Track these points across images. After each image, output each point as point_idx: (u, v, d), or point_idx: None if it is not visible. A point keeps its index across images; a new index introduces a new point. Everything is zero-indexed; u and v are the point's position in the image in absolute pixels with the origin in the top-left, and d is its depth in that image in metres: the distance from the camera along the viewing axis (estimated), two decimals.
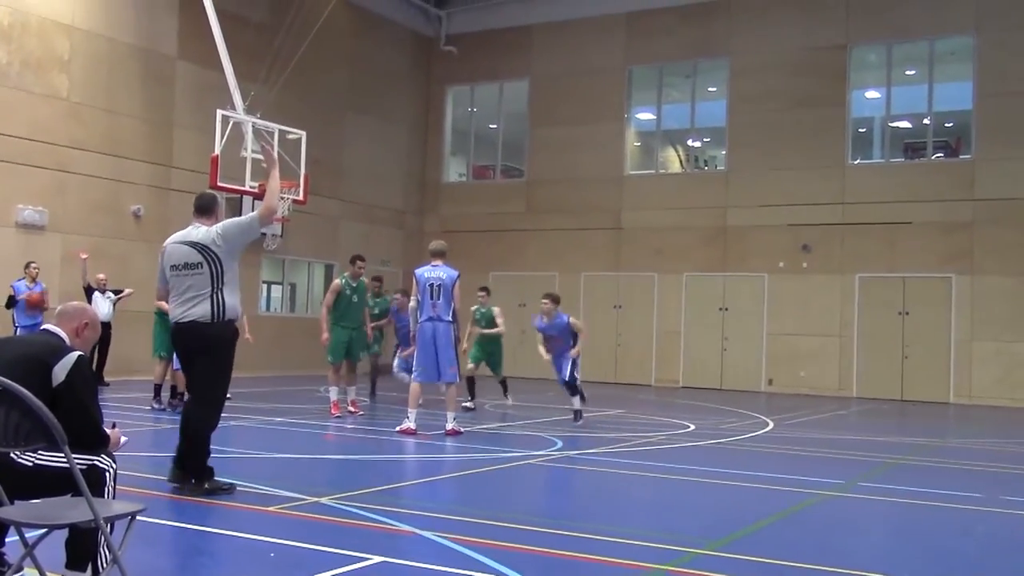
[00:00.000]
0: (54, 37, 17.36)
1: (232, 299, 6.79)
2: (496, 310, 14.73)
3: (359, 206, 23.98)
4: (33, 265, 15.04)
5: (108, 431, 4.22)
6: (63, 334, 4.37)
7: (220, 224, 6.88)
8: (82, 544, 4.01)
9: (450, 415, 10.90)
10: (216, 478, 6.74)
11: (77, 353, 4.16)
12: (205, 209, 7.04)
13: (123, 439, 4.43)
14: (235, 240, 6.82)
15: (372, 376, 15.88)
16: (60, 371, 4.03)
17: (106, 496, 4.05)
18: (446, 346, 10.99)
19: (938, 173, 20.86)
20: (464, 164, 27.27)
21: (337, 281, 13.13)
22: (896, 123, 22.22)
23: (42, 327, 4.54)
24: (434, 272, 10.94)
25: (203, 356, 6.74)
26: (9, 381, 3.58)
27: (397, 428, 10.85)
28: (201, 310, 6.67)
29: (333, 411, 12.61)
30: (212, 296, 6.69)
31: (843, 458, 10.54)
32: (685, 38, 23.16)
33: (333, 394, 12.76)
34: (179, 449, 6.80)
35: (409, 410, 10.83)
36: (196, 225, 6.94)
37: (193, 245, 6.77)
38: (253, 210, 20.33)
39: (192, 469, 6.72)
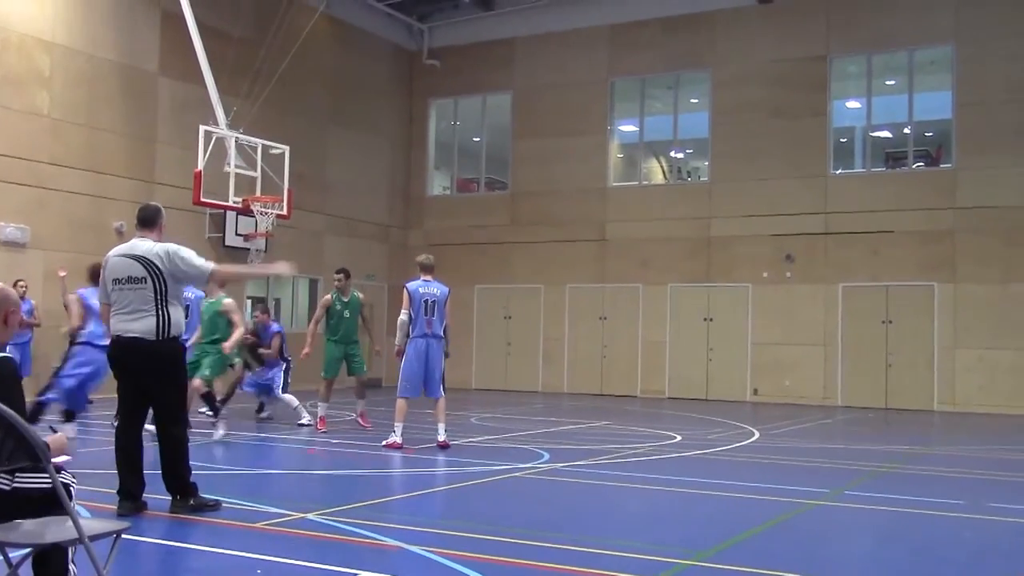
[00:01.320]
0: (34, 53, 17.30)
1: (177, 314, 6.64)
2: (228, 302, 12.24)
3: (343, 220, 23.94)
4: (20, 283, 14.94)
5: (49, 438, 3.82)
6: None
7: (173, 247, 6.66)
8: (54, 563, 3.92)
9: (441, 427, 10.92)
10: (201, 495, 6.68)
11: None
12: (148, 221, 6.83)
13: (65, 457, 4.14)
14: (177, 272, 6.61)
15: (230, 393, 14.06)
16: None
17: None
18: (437, 362, 10.98)
19: (919, 182, 21.00)
20: (448, 177, 27.28)
21: (328, 296, 13.04)
22: (877, 133, 22.38)
23: None
24: (428, 288, 10.93)
25: (153, 376, 6.59)
26: None
27: (384, 443, 10.82)
28: (144, 325, 6.50)
29: (319, 426, 12.56)
30: (157, 311, 6.52)
31: (829, 467, 10.57)
32: (667, 50, 23.27)
33: (321, 409, 12.69)
34: (121, 478, 6.56)
35: (396, 424, 10.81)
36: (141, 237, 6.77)
37: (137, 259, 6.60)
38: (237, 227, 20.37)
39: (176, 487, 6.65)
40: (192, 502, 6.59)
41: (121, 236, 18.43)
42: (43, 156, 17.27)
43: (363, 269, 24.14)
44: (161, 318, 6.53)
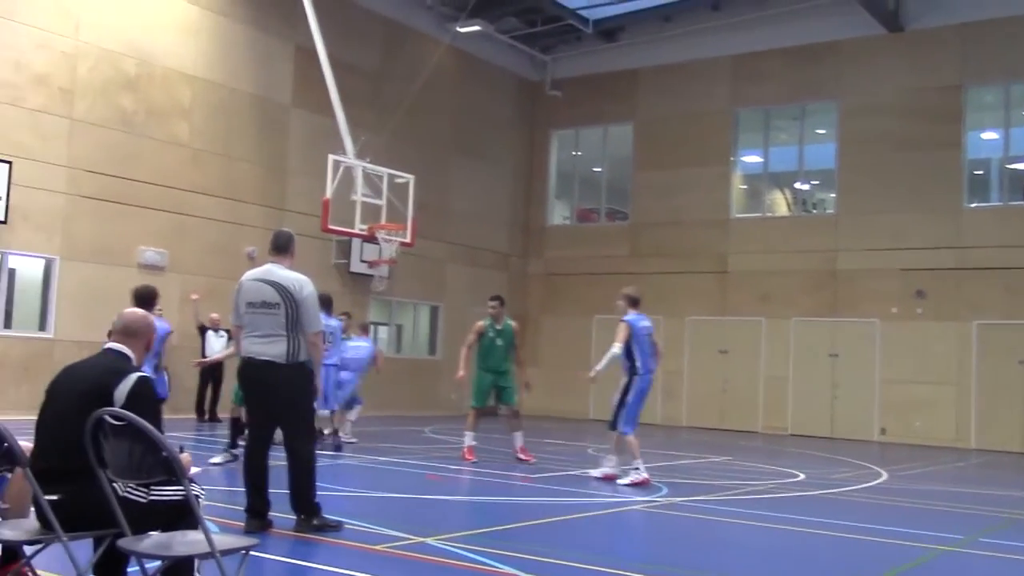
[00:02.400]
0: (177, 86, 18.14)
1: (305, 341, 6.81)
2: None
3: (465, 249, 24.26)
4: (157, 308, 15.39)
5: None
6: (127, 350, 4.38)
7: (309, 288, 6.79)
8: (181, 572, 4.04)
9: (640, 463, 10.50)
10: (324, 515, 6.80)
11: (137, 374, 4.18)
12: (282, 248, 7.00)
13: (195, 469, 4.38)
14: (301, 308, 6.72)
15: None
16: (120, 395, 4.06)
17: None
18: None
19: None
20: (568, 207, 27.38)
21: (481, 323, 12.58)
22: (1015, 164, 21.47)
23: (105, 346, 4.47)
24: (646, 322, 10.62)
25: (281, 399, 6.74)
26: (134, 416, 3.72)
27: (628, 481, 10.32)
28: (277, 350, 6.68)
29: (467, 456, 12.04)
30: (288, 337, 6.70)
31: (962, 512, 10.12)
32: (792, 80, 22.90)
33: (467, 439, 12.21)
34: (249, 496, 6.73)
35: (637, 462, 10.37)
36: (276, 263, 6.93)
37: (272, 284, 6.77)
38: (362, 254, 20.77)
39: (300, 506, 6.76)
40: (316, 522, 6.70)
41: (252, 261, 19.13)
42: (183, 184, 18.06)
43: (483, 297, 24.18)
44: (291, 343, 6.70)
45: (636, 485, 10.28)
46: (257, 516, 6.68)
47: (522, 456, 12.23)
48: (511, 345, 12.47)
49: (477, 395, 12.37)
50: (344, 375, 13.30)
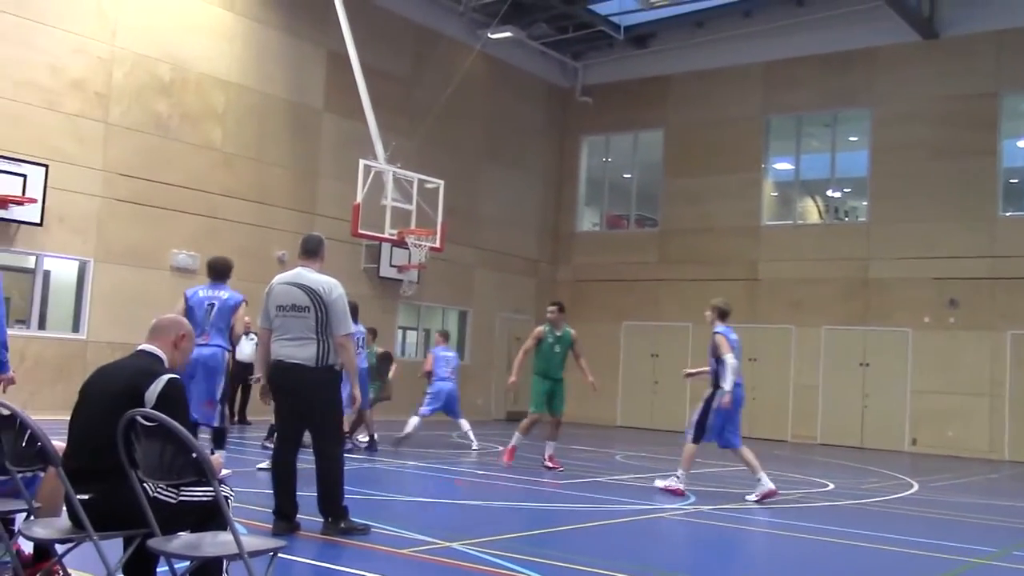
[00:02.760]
0: (210, 91, 18.30)
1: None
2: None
3: (493, 254, 24.28)
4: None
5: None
6: (159, 352, 4.42)
7: (338, 291, 6.82)
8: (209, 572, 4.08)
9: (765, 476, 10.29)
10: (352, 519, 6.83)
11: (168, 376, 4.21)
12: (312, 252, 7.03)
13: (225, 471, 4.40)
14: (330, 311, 6.73)
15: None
16: (151, 396, 4.10)
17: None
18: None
19: None
20: (597, 213, 27.34)
21: (540, 328, 12.46)
22: None
23: (138, 347, 4.52)
24: (735, 335, 10.48)
25: (311, 402, 6.77)
26: (165, 417, 3.76)
27: (663, 486, 10.33)
28: (307, 353, 6.71)
29: (507, 458, 12.14)
30: (318, 341, 6.72)
31: (995, 524, 9.99)
32: (825, 87, 22.75)
33: (515, 439, 12.23)
34: (277, 499, 6.76)
35: (680, 471, 10.29)
36: (305, 267, 6.96)
37: (303, 288, 6.80)
38: (392, 259, 20.81)
39: (328, 509, 6.78)
40: (343, 525, 6.72)
41: (283, 265, 19.30)
42: (215, 188, 18.21)
43: (511, 303, 24.42)
44: (321, 346, 6.72)
45: (671, 492, 10.19)
46: (285, 518, 6.71)
47: (550, 464, 12.18)
48: (567, 352, 12.32)
49: (536, 401, 12.21)
50: (442, 385, 14.16)
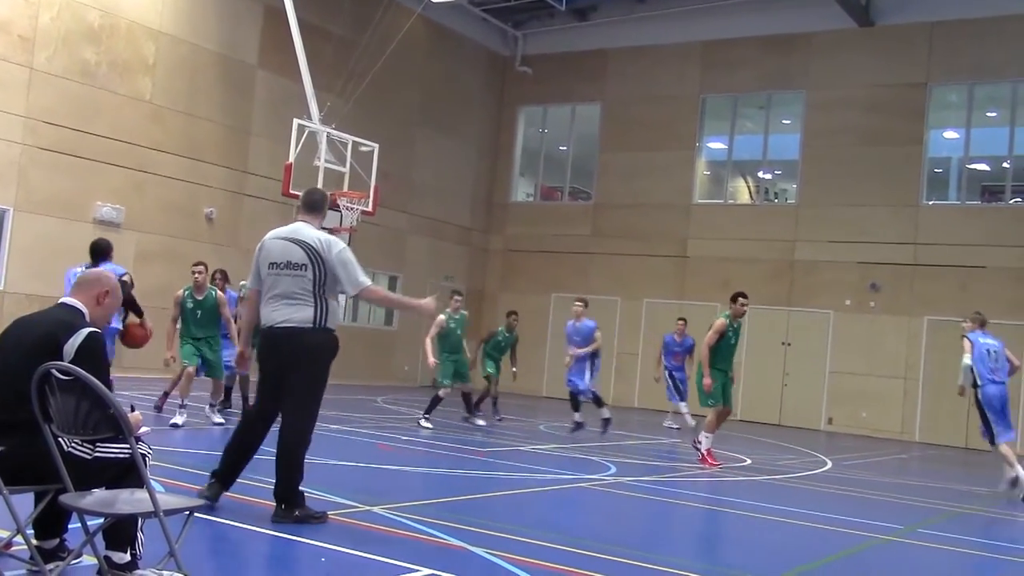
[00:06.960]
0: (141, 41, 17.83)
1: (335, 306, 6.22)
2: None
3: (426, 221, 24.17)
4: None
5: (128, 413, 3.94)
6: (81, 306, 4.26)
7: (340, 246, 6.22)
8: (123, 529, 4.05)
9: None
10: (307, 506, 6.11)
11: (88, 329, 4.07)
12: (314, 206, 6.48)
13: (144, 428, 4.34)
14: (334, 268, 6.14)
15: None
16: (70, 349, 3.97)
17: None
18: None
19: (1016, 218, 20.39)
20: (532, 185, 27.35)
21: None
22: (974, 165, 21.78)
23: (59, 301, 4.37)
24: (990, 340, 11.42)
25: (298, 368, 6.11)
26: (81, 371, 3.68)
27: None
28: (303, 314, 6.06)
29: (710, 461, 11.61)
30: (316, 300, 6.09)
31: (903, 502, 10.32)
32: (761, 69, 23.01)
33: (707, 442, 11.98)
34: (224, 462, 6.22)
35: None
36: (303, 222, 6.35)
37: (299, 243, 6.15)
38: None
39: (282, 494, 6.09)
40: (298, 513, 6.04)
41: (211, 222, 18.97)
42: (143, 140, 17.79)
43: (443, 270, 24.35)
44: (319, 307, 6.11)
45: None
46: (221, 482, 6.21)
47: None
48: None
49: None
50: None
